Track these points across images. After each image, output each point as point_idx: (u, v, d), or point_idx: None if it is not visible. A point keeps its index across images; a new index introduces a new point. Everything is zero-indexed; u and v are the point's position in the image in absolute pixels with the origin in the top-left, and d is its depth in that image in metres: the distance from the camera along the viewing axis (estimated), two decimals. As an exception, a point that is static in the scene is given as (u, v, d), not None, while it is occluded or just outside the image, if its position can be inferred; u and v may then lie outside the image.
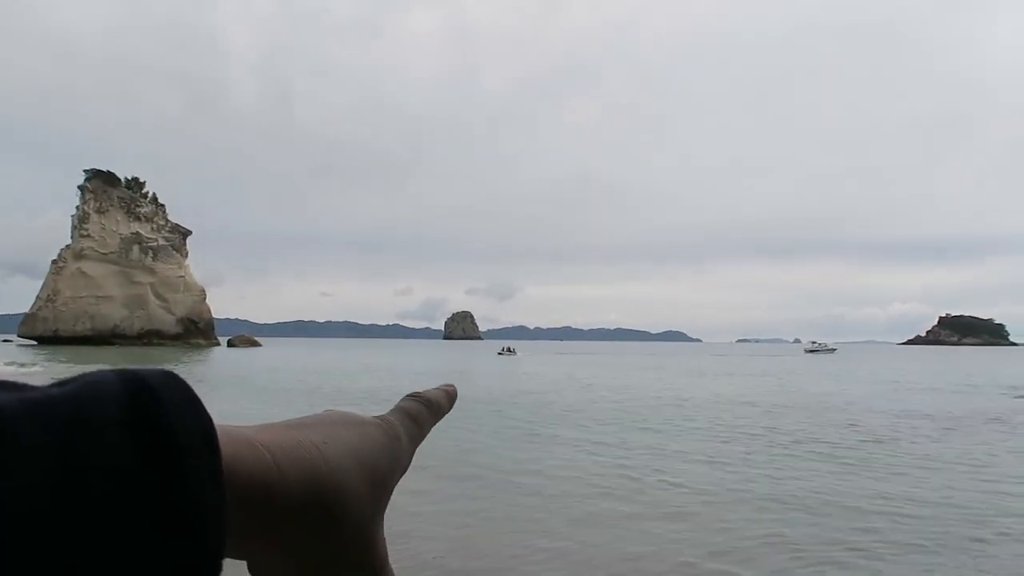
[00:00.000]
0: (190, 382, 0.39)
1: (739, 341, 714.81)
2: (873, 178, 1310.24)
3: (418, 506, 9.73)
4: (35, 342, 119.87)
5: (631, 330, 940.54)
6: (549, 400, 27.73)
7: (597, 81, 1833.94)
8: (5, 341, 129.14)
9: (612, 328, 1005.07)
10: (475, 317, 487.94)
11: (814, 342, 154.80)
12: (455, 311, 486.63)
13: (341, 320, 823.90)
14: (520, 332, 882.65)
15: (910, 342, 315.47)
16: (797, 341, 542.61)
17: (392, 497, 0.46)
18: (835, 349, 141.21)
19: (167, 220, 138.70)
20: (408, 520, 8.93)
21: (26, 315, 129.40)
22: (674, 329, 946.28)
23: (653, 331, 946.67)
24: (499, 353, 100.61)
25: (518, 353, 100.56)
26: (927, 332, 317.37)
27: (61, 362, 56.44)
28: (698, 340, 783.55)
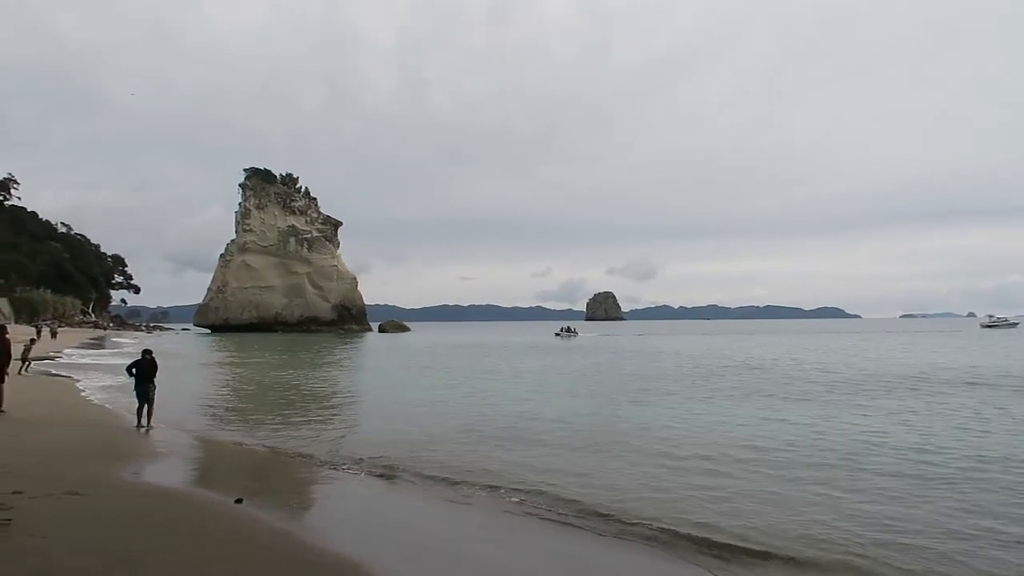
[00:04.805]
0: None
1: (904, 316, 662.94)
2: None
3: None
4: (209, 330, 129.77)
5: (782, 307, 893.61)
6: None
7: (734, 50, 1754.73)
8: (184, 329, 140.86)
9: (761, 306, 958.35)
10: (616, 297, 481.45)
11: (991, 316, 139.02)
12: (595, 292, 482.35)
13: (484, 304, 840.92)
14: (663, 312, 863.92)
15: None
16: (972, 315, 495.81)
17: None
18: (1017, 323, 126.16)
19: (319, 212, 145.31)
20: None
21: (200, 305, 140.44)
22: (829, 305, 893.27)
23: (806, 307, 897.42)
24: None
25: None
26: None
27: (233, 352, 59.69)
28: (857, 316, 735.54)
